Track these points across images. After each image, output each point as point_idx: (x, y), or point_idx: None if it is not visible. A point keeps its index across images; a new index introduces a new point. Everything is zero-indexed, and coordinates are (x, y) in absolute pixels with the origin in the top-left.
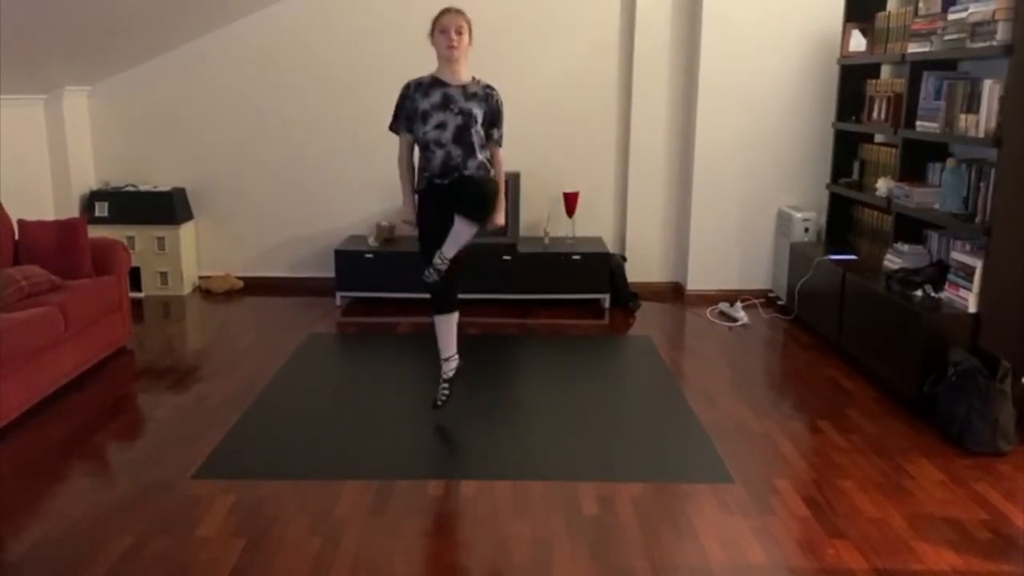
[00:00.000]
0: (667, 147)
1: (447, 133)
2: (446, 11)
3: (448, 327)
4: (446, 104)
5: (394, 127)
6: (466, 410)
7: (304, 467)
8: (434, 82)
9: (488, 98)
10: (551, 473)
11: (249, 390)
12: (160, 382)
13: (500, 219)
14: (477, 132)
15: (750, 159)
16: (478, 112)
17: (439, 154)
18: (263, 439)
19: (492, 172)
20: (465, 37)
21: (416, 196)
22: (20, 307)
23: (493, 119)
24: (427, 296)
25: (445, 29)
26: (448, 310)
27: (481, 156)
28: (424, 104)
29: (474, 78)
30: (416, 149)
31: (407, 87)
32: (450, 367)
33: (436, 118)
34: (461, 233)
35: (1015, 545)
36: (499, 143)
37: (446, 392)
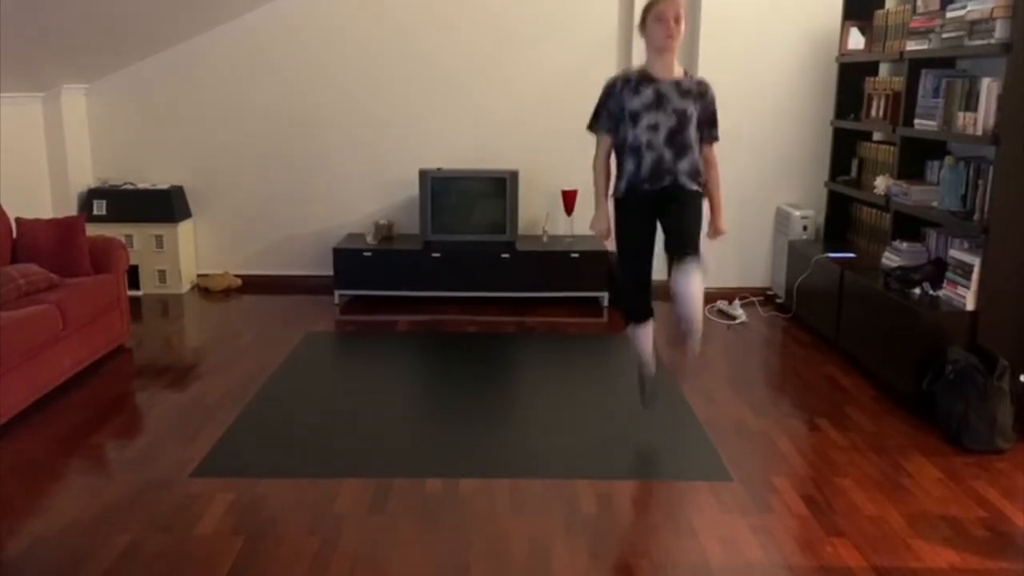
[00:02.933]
0: None
1: (660, 135)
2: None
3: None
4: (659, 103)
5: (594, 127)
6: (465, 408)
7: (303, 465)
8: (644, 77)
9: (703, 95)
10: (550, 471)
11: (247, 388)
12: (158, 380)
13: (722, 224)
14: (692, 133)
15: (748, 157)
16: (693, 111)
17: (648, 158)
18: (261, 437)
19: (702, 179)
20: (683, 26)
21: (612, 203)
22: (18, 305)
23: (709, 117)
24: (428, 295)
25: (662, 17)
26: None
27: (695, 158)
28: (634, 103)
29: (686, 72)
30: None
31: (612, 84)
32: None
33: (648, 118)
34: (693, 293)
35: (1013, 543)
36: (713, 140)
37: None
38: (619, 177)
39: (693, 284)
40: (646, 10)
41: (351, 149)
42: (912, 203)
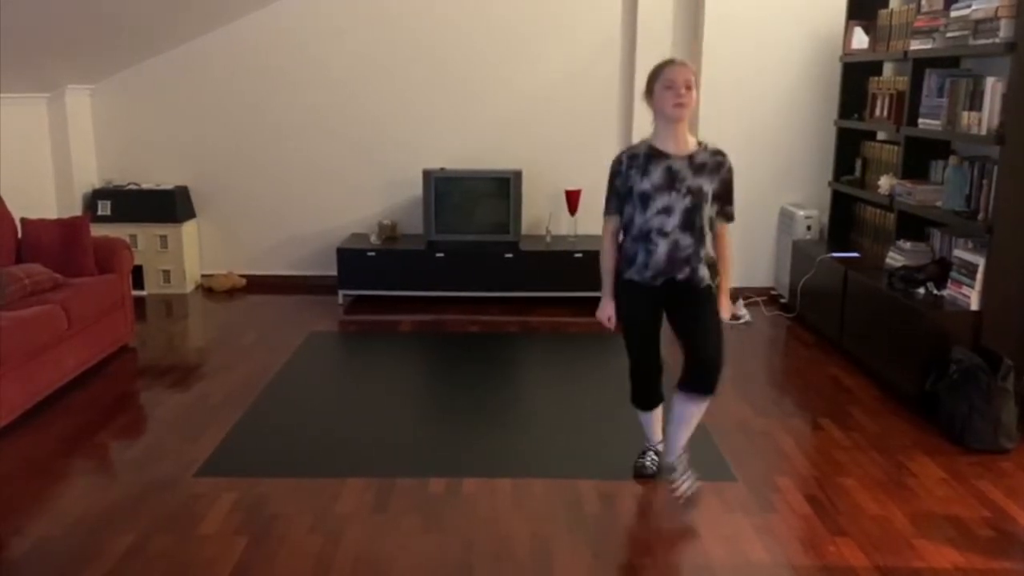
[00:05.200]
0: None
1: (673, 219)
2: (670, 62)
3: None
4: (671, 183)
5: (613, 212)
6: (467, 408)
7: (306, 465)
8: (653, 154)
9: (719, 167)
10: (552, 471)
11: (251, 388)
12: (162, 380)
13: (726, 312)
14: (707, 212)
15: (752, 157)
16: (708, 189)
17: (662, 246)
18: (265, 437)
19: (712, 266)
20: (695, 93)
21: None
22: (23, 305)
23: (725, 192)
24: (431, 295)
25: (672, 84)
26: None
27: (708, 243)
28: (644, 184)
29: (700, 143)
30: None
31: (619, 161)
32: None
33: (660, 201)
34: (691, 414)
35: (1017, 543)
36: (728, 219)
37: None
38: (634, 262)
39: (699, 411)
40: (653, 76)
41: (355, 149)
42: (916, 203)
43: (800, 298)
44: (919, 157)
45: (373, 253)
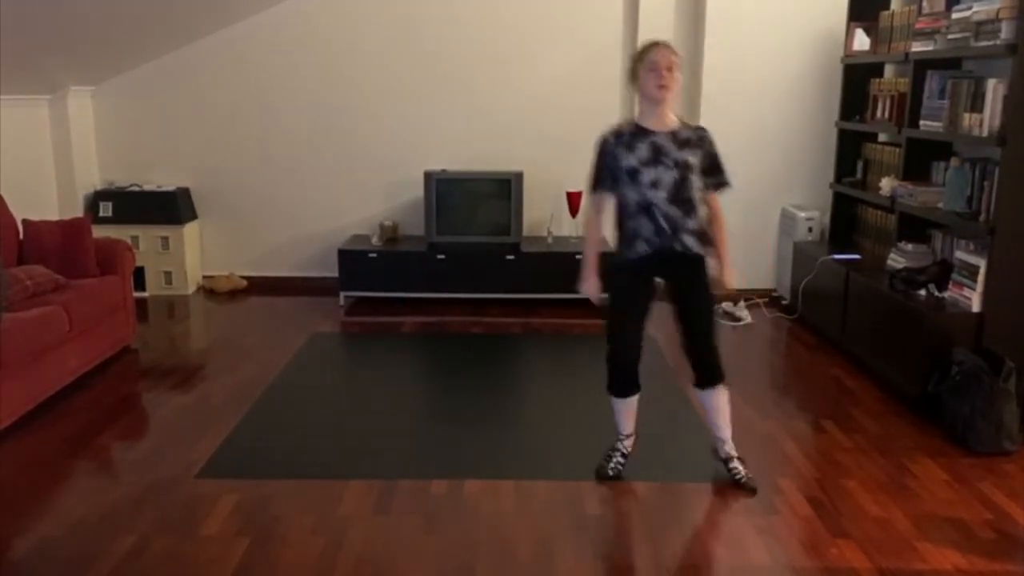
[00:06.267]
0: None
1: (662, 192)
2: (654, 45)
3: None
4: (657, 157)
5: (598, 188)
6: (469, 409)
7: (307, 466)
8: (638, 131)
9: (702, 141)
10: (554, 472)
11: (253, 389)
12: (164, 381)
13: (729, 279)
14: (695, 184)
15: (754, 158)
16: (695, 161)
17: (656, 218)
18: (267, 438)
19: (708, 237)
20: (677, 74)
21: (605, 265)
22: (25, 307)
23: (712, 163)
24: (433, 296)
25: (655, 66)
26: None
27: (701, 214)
28: (630, 160)
29: (682, 121)
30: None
31: (604, 141)
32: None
33: (648, 175)
34: (719, 406)
35: (1019, 545)
36: (720, 187)
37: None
38: (629, 240)
39: (719, 400)
40: (636, 59)
41: (356, 151)
42: (917, 204)
43: (801, 300)
44: (920, 158)
45: (374, 254)
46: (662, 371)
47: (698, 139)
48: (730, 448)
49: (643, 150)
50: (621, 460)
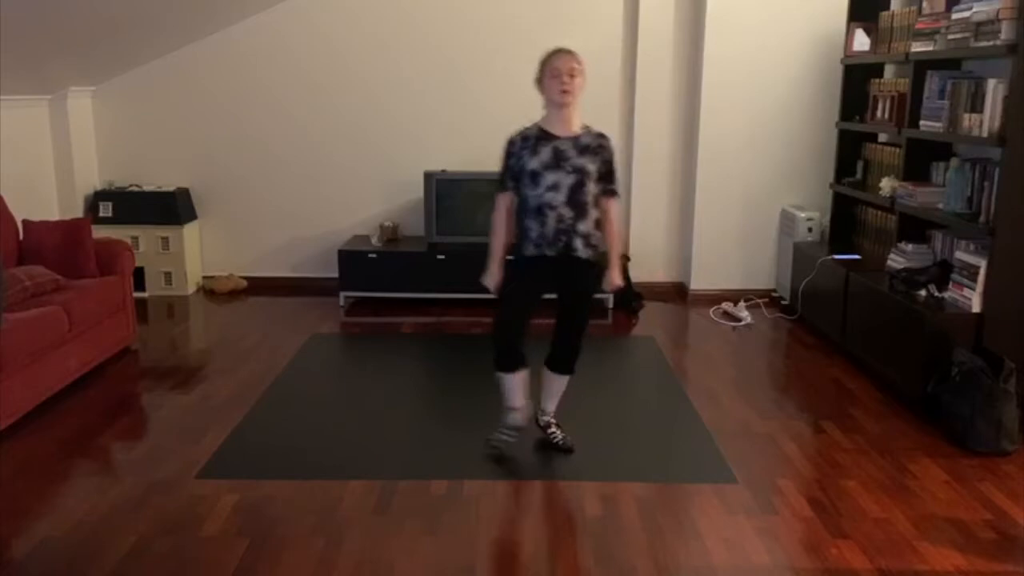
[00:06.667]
0: (670, 147)
1: (560, 195)
2: (557, 52)
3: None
4: (557, 161)
5: (504, 187)
6: (469, 410)
7: (307, 467)
8: (542, 135)
9: (602, 149)
10: (554, 473)
11: (253, 390)
12: (164, 382)
13: (617, 279)
14: (591, 190)
15: (753, 159)
16: (592, 167)
17: (551, 218)
18: (267, 439)
19: (597, 239)
20: (579, 80)
21: (504, 260)
22: (25, 307)
23: (607, 171)
24: (432, 297)
25: (557, 73)
26: (523, 364)
27: (592, 218)
28: (533, 163)
29: (585, 127)
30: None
31: (511, 143)
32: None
33: (548, 179)
34: (560, 387)
35: (1019, 545)
36: (612, 195)
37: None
38: (523, 239)
39: (561, 384)
40: (542, 65)
41: (356, 151)
42: (917, 205)
43: (801, 300)
44: (920, 159)
45: (374, 255)
46: (663, 372)
47: (598, 146)
48: (550, 417)
49: (545, 154)
50: (511, 434)
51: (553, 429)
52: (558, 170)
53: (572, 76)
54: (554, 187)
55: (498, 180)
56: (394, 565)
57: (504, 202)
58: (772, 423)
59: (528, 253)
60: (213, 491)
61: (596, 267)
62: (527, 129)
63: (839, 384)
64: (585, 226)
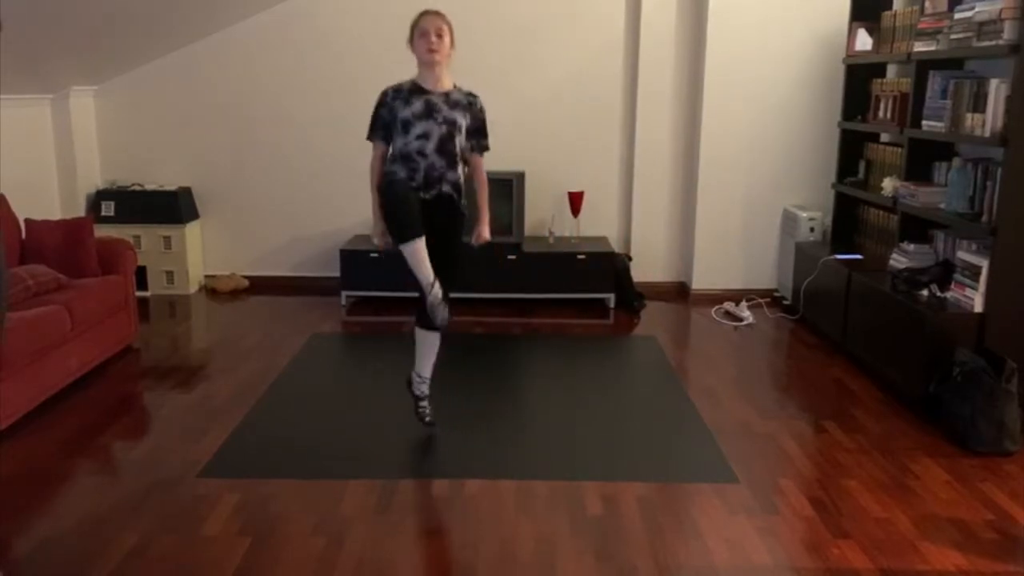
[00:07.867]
0: (672, 146)
1: (431, 143)
2: (425, 13)
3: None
4: (429, 112)
5: (373, 137)
6: (470, 409)
7: (309, 466)
8: (415, 88)
9: (471, 106)
10: (555, 473)
11: (254, 389)
12: (165, 381)
13: (485, 233)
14: (460, 142)
15: (755, 158)
16: (462, 121)
17: (421, 166)
18: (268, 438)
19: (463, 193)
20: (446, 40)
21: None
22: (27, 306)
23: (477, 127)
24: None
25: (425, 32)
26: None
27: (461, 169)
28: (405, 112)
29: (455, 85)
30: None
31: (384, 94)
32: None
33: (419, 127)
34: (434, 344)
35: (1021, 545)
36: (483, 151)
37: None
38: (389, 180)
39: (435, 341)
40: (412, 27)
41: (358, 150)
42: (920, 205)
43: (803, 300)
44: (922, 159)
45: (376, 255)
46: (664, 372)
47: (467, 103)
48: (426, 388)
49: (418, 105)
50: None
51: (425, 403)
52: (429, 120)
53: (440, 36)
54: (424, 135)
55: (369, 132)
56: (395, 565)
57: (377, 152)
58: (773, 423)
59: (395, 179)
60: (214, 490)
61: (464, 216)
62: (400, 84)
63: (841, 384)
64: (454, 175)
